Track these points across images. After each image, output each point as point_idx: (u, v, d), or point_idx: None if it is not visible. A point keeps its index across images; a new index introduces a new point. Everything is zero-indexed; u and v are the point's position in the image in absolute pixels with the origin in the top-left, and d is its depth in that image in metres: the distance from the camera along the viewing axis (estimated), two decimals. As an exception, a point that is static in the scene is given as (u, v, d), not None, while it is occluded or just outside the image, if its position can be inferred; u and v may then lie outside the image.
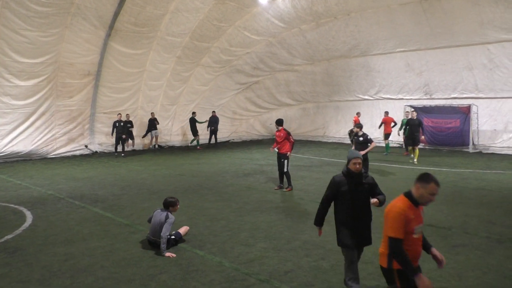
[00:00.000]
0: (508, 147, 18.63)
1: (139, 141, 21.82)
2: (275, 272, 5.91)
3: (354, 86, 24.05)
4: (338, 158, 16.95)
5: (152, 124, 21.74)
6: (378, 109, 22.83)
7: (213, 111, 23.21)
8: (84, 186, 12.44)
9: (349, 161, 4.82)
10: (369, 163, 16.11)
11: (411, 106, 20.68)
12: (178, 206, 7.28)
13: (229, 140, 26.53)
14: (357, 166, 4.77)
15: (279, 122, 11.79)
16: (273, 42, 23.44)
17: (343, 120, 24.31)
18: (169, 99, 23.04)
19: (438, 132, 20.43)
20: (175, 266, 6.21)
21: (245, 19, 21.28)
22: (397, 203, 3.77)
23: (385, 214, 3.81)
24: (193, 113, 22.72)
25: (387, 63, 21.78)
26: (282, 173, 11.64)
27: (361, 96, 24.02)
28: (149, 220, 7.26)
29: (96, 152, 20.21)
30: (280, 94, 27.28)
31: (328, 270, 5.97)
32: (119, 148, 19.36)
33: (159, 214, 7.03)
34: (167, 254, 6.64)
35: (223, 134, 25.43)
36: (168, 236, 6.86)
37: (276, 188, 11.74)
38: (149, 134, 21.89)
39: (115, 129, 19.09)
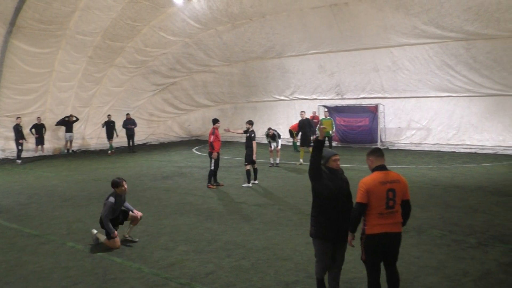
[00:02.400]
0: (411, 143, 20.13)
1: (48, 145, 20.55)
2: (196, 275, 5.88)
3: (270, 87, 24.58)
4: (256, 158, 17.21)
5: (70, 126, 20.68)
6: (294, 109, 23.53)
7: (127, 114, 22.39)
8: (-14, 196, 11.44)
9: (328, 159, 4.74)
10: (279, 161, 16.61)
11: (324, 106, 21.61)
12: (124, 187, 7.24)
13: (146, 143, 25.86)
14: (338, 162, 4.79)
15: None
16: (189, 43, 23.24)
17: (261, 120, 24.68)
18: (81, 101, 21.91)
19: (349, 131, 21.51)
20: (90, 275, 5.93)
21: (160, 19, 20.86)
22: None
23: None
24: (109, 115, 21.75)
25: (301, 65, 22.51)
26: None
27: (277, 96, 24.61)
28: None
29: (-1, 158, 18.69)
30: (197, 95, 27.12)
31: (249, 269, 6.05)
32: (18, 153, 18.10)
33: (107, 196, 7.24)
34: (114, 234, 7.03)
35: (139, 136, 24.70)
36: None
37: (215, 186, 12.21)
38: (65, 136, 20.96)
39: (18, 133, 17.82)
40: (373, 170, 4.61)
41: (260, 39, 21.94)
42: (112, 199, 7.09)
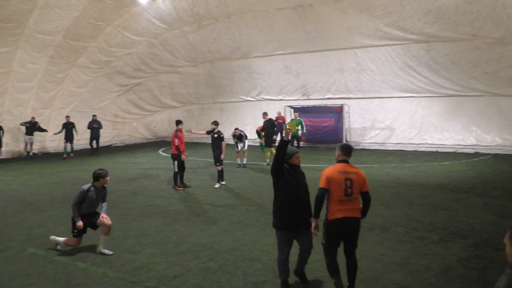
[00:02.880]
0: (375, 142, 20.58)
1: (6, 148, 19.79)
2: (164, 278, 5.80)
3: (237, 87, 24.57)
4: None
5: (31, 129, 19.89)
6: (260, 109, 23.49)
7: (94, 115, 21.72)
8: None
9: (291, 156, 5.25)
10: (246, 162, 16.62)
11: (290, 107, 21.78)
12: (104, 179, 6.98)
13: (111, 145, 25.32)
14: (300, 159, 5.36)
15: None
16: (154, 43, 22.92)
17: (227, 121, 24.63)
18: (42, 102, 21.22)
19: (315, 131, 21.76)
20: (53, 282, 5.75)
21: (124, 19, 20.48)
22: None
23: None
24: (67, 117, 20.75)
25: (267, 66, 22.60)
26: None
27: (243, 97, 24.62)
28: None
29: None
30: (163, 96, 26.78)
31: (217, 270, 6.02)
32: None
33: None
34: (79, 223, 6.78)
35: (104, 138, 24.10)
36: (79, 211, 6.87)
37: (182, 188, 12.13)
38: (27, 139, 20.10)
39: None
40: (337, 162, 5.20)
41: (226, 39, 21.89)
42: (86, 186, 6.88)
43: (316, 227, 5.14)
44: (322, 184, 5.02)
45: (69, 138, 20.30)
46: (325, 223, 5.09)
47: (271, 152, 16.03)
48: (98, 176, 6.93)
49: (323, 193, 5.00)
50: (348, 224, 4.97)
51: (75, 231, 6.88)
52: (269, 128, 16.41)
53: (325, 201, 5.10)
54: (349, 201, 4.97)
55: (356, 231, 5.06)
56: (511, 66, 16.66)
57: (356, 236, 5.09)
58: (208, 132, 12.83)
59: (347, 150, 5.21)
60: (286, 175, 5.15)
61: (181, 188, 11.95)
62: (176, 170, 12.03)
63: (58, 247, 7.04)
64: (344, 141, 20.51)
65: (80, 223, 6.79)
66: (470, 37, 16.82)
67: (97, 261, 6.49)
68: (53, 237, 7.17)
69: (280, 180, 5.17)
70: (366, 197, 5.14)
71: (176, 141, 11.92)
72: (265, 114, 17.20)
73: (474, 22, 16.12)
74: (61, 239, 7.03)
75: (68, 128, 20.35)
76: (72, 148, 20.53)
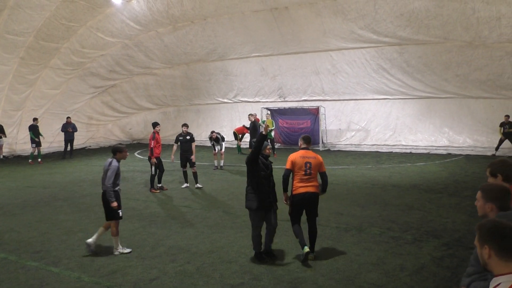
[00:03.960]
0: (351, 144, 20.81)
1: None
2: (140, 282, 5.74)
3: (213, 89, 24.47)
4: (200, 161, 17.10)
5: None
6: (237, 111, 23.59)
7: (68, 117, 21.13)
8: None
9: (264, 148, 6.49)
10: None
11: (267, 109, 21.84)
12: (126, 154, 7.08)
13: (85, 147, 24.88)
14: (269, 151, 6.71)
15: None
16: (129, 44, 22.63)
17: (204, 123, 24.56)
18: (12, 104, 20.64)
19: (292, 133, 21.85)
20: (25, 287, 5.62)
21: (98, 20, 20.14)
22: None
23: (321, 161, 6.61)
24: (35, 119, 19.69)
25: (243, 67, 22.59)
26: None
27: (220, 99, 24.55)
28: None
29: None
30: (139, 98, 26.45)
31: (194, 273, 5.99)
32: None
33: (106, 162, 6.89)
34: (114, 204, 6.73)
35: (78, 141, 23.64)
36: (114, 188, 6.81)
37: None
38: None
39: None
40: (300, 149, 6.65)
41: (202, 41, 21.79)
42: (114, 162, 6.84)
43: (287, 199, 6.60)
44: (287, 166, 6.48)
45: (37, 142, 19.30)
46: (290, 197, 6.52)
47: None
48: (117, 150, 6.98)
49: (288, 173, 6.51)
50: (307, 196, 6.40)
51: (119, 210, 6.85)
52: (252, 129, 16.65)
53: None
54: (308, 179, 6.42)
55: (314, 203, 6.48)
56: (480, 68, 17.12)
57: (315, 207, 6.52)
58: (176, 141, 12.60)
59: (307, 139, 6.75)
60: (260, 164, 6.36)
61: (158, 191, 11.84)
62: (153, 172, 11.92)
63: (93, 245, 6.89)
64: (320, 143, 20.71)
65: (115, 203, 6.75)
66: (441, 40, 17.20)
67: (71, 266, 6.37)
68: (89, 240, 6.92)
69: (255, 167, 6.31)
70: (323, 176, 6.59)
71: (153, 143, 11.83)
72: (251, 115, 17.37)
73: (444, 25, 16.49)
74: (94, 238, 6.92)
75: (36, 131, 19.31)
76: (39, 152, 19.55)
